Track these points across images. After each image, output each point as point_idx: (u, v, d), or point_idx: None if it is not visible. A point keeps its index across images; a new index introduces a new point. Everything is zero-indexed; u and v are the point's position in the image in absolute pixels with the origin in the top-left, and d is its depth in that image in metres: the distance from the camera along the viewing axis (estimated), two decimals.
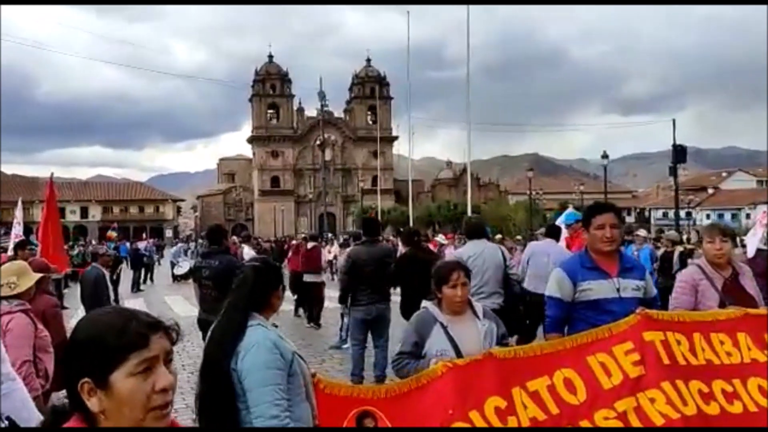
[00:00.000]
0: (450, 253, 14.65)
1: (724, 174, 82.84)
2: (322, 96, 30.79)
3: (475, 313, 3.20)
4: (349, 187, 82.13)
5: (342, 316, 9.19)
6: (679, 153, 25.20)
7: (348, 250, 8.65)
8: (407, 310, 6.24)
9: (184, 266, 23.50)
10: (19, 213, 10.05)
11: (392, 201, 72.74)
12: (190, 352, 9.30)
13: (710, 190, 74.28)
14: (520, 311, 6.23)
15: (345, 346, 8.80)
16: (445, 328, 3.09)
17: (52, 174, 9.97)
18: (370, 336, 6.63)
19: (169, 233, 73.42)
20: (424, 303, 3.29)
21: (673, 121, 26.74)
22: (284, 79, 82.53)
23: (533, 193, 64.62)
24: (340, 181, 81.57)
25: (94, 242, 38.22)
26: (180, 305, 15.50)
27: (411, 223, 40.74)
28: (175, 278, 22.65)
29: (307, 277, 11.30)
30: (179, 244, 29.06)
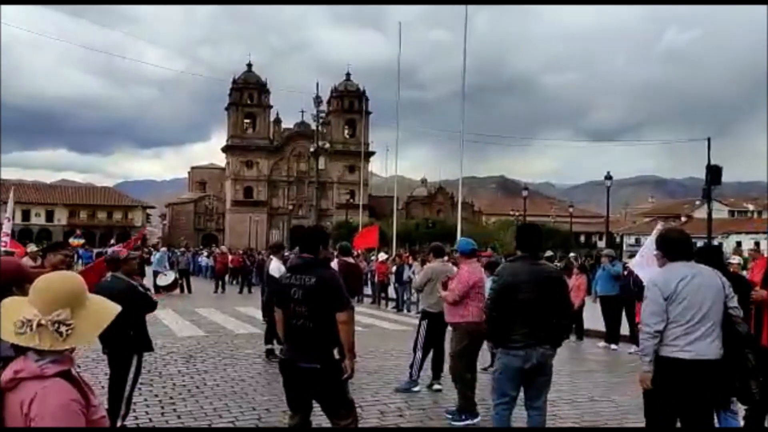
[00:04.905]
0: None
1: (697, 202, 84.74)
2: (318, 101, 29.54)
3: None
4: (323, 201, 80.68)
5: (415, 349, 7.38)
6: (715, 174, 22.80)
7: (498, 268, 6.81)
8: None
9: (169, 276, 21.94)
10: (10, 207, 8.61)
11: (367, 217, 71.55)
12: (217, 390, 7.94)
13: (683, 218, 75.27)
14: (749, 364, 4.17)
15: (415, 389, 7.23)
16: None
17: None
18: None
19: None
20: None
21: (708, 140, 25.38)
22: (262, 89, 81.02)
23: (514, 213, 64.65)
24: (314, 194, 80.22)
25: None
26: (174, 322, 14.00)
27: (394, 240, 39.59)
28: (158, 289, 21.10)
29: None
30: (162, 250, 27.25)
